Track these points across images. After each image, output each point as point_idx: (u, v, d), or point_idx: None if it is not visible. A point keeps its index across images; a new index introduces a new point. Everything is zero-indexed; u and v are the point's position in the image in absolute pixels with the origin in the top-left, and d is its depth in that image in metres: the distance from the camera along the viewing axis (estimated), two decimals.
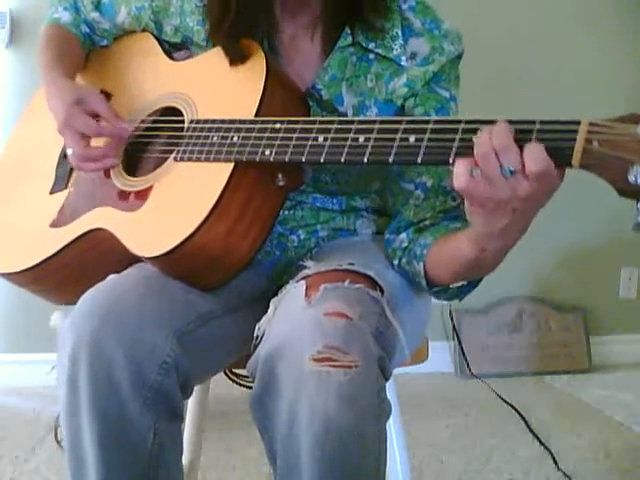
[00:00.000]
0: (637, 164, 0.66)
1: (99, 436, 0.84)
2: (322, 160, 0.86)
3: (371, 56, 1.03)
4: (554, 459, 1.84)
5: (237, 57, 1.01)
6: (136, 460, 0.87)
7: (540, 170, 0.70)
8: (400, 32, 1.02)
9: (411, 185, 1.02)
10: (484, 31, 2.42)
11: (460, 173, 0.74)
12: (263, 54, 1.00)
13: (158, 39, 1.17)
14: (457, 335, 2.60)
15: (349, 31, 1.02)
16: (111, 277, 0.93)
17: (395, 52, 1.02)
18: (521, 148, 0.72)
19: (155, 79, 1.13)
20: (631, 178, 0.66)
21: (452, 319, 2.61)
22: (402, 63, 1.02)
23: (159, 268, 0.94)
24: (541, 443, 1.95)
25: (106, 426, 0.84)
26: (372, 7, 1.00)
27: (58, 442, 1.90)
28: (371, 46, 1.02)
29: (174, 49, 1.16)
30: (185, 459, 1.24)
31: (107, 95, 1.16)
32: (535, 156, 0.70)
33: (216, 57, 1.05)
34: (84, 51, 1.22)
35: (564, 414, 2.20)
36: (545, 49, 2.60)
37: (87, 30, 1.22)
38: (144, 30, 1.18)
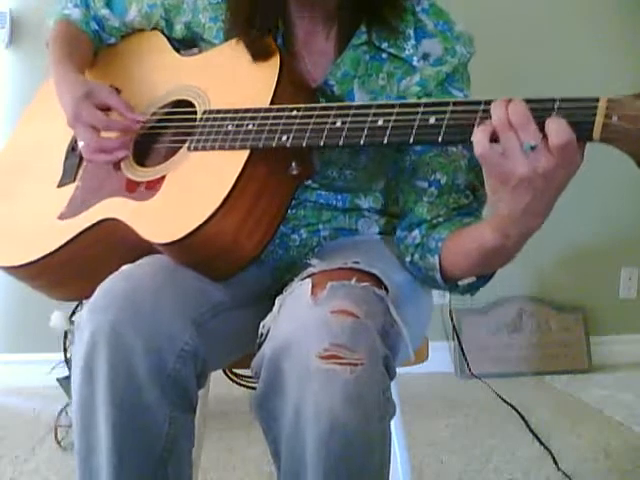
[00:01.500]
0: None
1: (114, 423, 0.84)
2: (341, 143, 0.86)
3: (384, 55, 1.04)
4: (554, 459, 1.84)
5: (261, 53, 1.01)
6: (149, 449, 0.87)
7: (563, 141, 0.72)
8: (413, 33, 1.03)
9: (425, 183, 1.02)
10: (484, 30, 2.40)
11: (478, 140, 0.76)
12: (277, 48, 1.00)
13: (167, 37, 1.17)
14: (457, 335, 2.60)
15: (364, 29, 1.03)
16: (125, 267, 0.93)
17: (407, 52, 1.03)
18: (541, 124, 0.73)
19: (165, 74, 1.13)
20: None
21: (452, 319, 2.61)
22: (414, 64, 1.03)
23: (172, 256, 0.94)
24: (541, 443, 1.95)
25: (122, 413, 0.84)
26: (390, 5, 1.01)
27: (58, 442, 1.89)
28: (384, 45, 1.03)
29: (183, 47, 1.16)
30: None
31: (116, 90, 1.15)
32: (558, 128, 0.72)
33: (227, 51, 1.06)
34: (93, 48, 1.22)
35: (564, 414, 2.20)
36: (545, 48, 2.60)
37: (96, 27, 1.22)
38: (154, 29, 1.18)
